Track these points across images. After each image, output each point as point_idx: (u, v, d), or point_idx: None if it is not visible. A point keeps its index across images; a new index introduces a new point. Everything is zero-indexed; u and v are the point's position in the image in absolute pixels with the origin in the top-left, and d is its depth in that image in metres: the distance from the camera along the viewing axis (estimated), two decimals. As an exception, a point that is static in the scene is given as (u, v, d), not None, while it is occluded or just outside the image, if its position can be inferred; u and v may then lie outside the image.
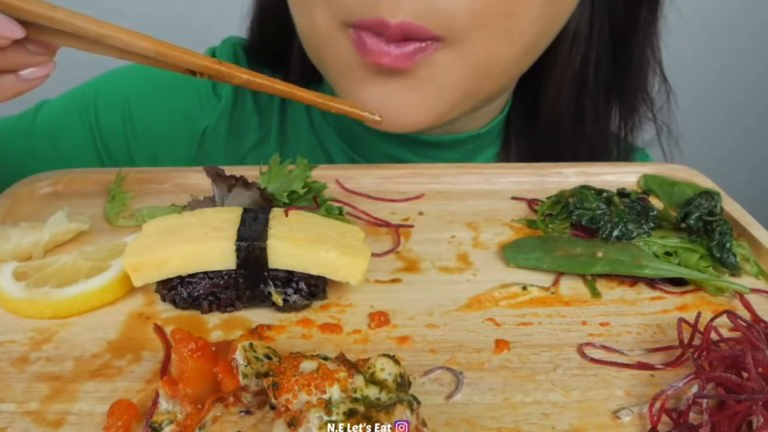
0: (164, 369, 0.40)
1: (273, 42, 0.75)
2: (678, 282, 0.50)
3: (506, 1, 0.54)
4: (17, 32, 0.42)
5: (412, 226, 0.57)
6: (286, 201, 0.53)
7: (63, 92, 0.78)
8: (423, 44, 0.54)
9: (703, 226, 0.53)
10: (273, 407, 0.35)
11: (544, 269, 0.51)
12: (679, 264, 0.51)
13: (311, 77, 0.74)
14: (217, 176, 0.51)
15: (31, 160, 0.72)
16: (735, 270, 0.51)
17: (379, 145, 0.72)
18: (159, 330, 0.44)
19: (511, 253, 0.53)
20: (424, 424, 0.35)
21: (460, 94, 0.59)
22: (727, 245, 0.52)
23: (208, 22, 1.04)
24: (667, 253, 0.52)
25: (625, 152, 0.78)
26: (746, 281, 0.51)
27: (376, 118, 0.52)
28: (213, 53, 0.79)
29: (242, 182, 0.50)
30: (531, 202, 0.61)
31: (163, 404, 0.36)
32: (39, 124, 0.76)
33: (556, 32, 0.64)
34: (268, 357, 0.38)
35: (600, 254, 0.51)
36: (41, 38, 0.44)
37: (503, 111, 0.74)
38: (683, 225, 0.54)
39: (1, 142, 0.74)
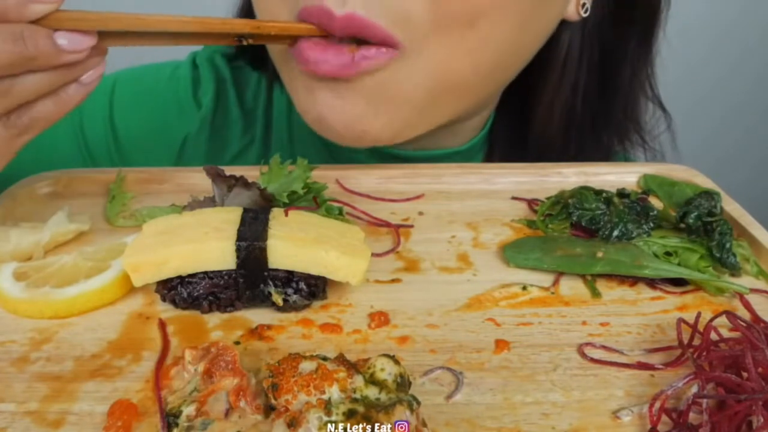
0: (160, 362, 0.41)
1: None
2: (678, 282, 0.50)
3: (468, 11, 0.51)
4: (90, 41, 0.43)
5: (412, 226, 0.57)
6: (286, 201, 0.53)
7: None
8: (370, 51, 0.50)
9: (702, 226, 0.53)
10: (273, 408, 0.35)
11: (544, 269, 0.51)
12: (679, 264, 0.51)
13: None
14: (217, 176, 0.51)
15: (18, 169, 0.73)
16: (735, 270, 0.51)
17: (357, 157, 0.70)
18: (161, 325, 0.44)
19: (511, 253, 0.53)
20: (424, 424, 0.35)
21: (416, 111, 0.56)
22: (727, 245, 0.52)
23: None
24: (667, 253, 0.52)
25: None
26: (746, 281, 0.51)
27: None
28: (194, 58, 0.78)
29: (242, 182, 0.51)
30: (531, 202, 0.61)
31: (190, 369, 0.38)
32: None
33: (531, 52, 0.62)
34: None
35: (600, 254, 0.51)
36: (102, 43, 0.45)
37: (483, 129, 0.73)
38: (682, 225, 0.55)
39: None
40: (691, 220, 0.54)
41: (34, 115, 0.45)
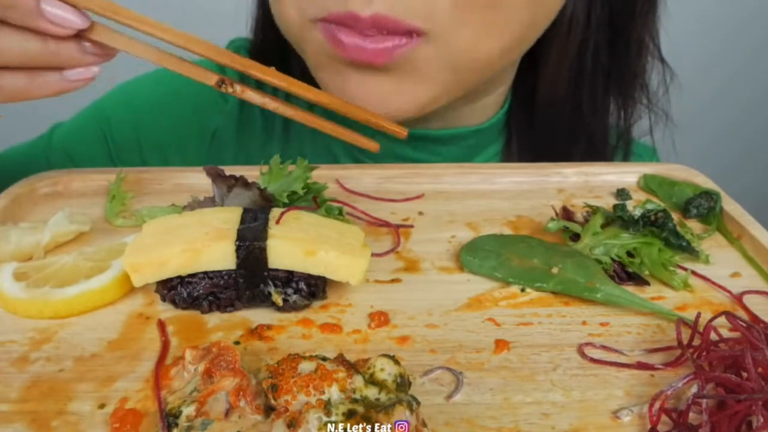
0: (160, 362, 0.41)
1: (275, 42, 0.75)
2: (640, 281, 0.50)
3: None
4: (80, 22, 0.43)
5: (412, 226, 0.57)
6: (286, 201, 0.53)
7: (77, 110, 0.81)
8: (402, 40, 0.53)
9: (649, 220, 0.53)
10: (273, 408, 0.35)
11: (497, 278, 0.50)
12: (641, 263, 0.51)
13: (312, 79, 0.74)
14: (217, 176, 0.51)
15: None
16: (694, 253, 0.52)
17: (380, 141, 0.71)
18: (161, 325, 0.44)
19: (467, 257, 0.52)
20: (424, 425, 0.35)
21: (441, 86, 0.59)
22: (679, 232, 0.52)
23: (213, 20, 1.03)
24: (629, 254, 0.52)
25: (625, 143, 0.77)
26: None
27: (372, 144, 0.54)
28: None
29: (242, 182, 0.51)
30: (566, 210, 0.59)
31: (190, 369, 0.38)
32: (56, 144, 0.77)
33: (546, 24, 0.63)
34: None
35: (555, 270, 0.49)
36: (100, 38, 0.45)
37: (504, 105, 0.74)
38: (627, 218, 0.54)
39: (22, 166, 0.76)
40: (637, 214, 0.54)
41: (2, 83, 0.44)
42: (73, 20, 0.43)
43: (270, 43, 0.76)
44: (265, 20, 0.76)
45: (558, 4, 0.62)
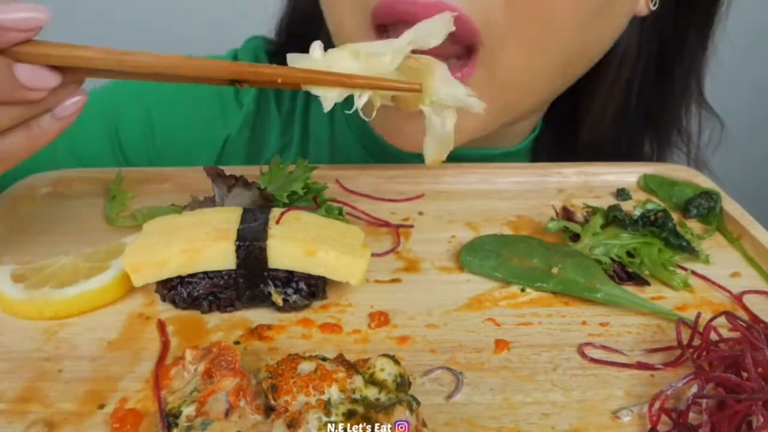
0: (160, 362, 0.41)
1: (301, 44, 0.72)
2: (640, 281, 0.50)
3: (543, 10, 0.51)
4: (54, 80, 0.40)
5: (412, 226, 0.57)
6: (286, 201, 0.53)
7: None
8: (461, 70, 0.52)
9: (649, 220, 0.53)
10: (273, 408, 0.35)
11: (497, 278, 0.50)
12: (641, 263, 0.51)
13: None
14: (217, 176, 0.51)
15: (52, 162, 0.71)
16: (694, 253, 0.52)
17: (403, 154, 0.66)
18: (161, 325, 0.44)
19: (467, 257, 0.52)
20: (424, 425, 0.35)
21: (491, 117, 0.55)
22: (679, 232, 0.52)
23: (228, 21, 1.01)
24: (629, 254, 0.52)
25: None
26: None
27: (416, 86, 0.45)
28: (235, 55, 0.78)
29: (242, 182, 0.51)
30: (566, 210, 0.59)
31: (190, 369, 0.38)
32: (61, 142, 0.74)
33: (597, 56, 0.61)
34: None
35: (555, 270, 0.49)
36: (72, 76, 0.42)
37: (535, 130, 0.72)
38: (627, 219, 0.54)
39: (26, 170, 0.75)
40: (637, 214, 0.54)
41: (3, 149, 0.42)
42: (51, 80, 0.40)
43: (294, 45, 0.73)
44: (293, 22, 0.74)
45: (610, 38, 0.60)
